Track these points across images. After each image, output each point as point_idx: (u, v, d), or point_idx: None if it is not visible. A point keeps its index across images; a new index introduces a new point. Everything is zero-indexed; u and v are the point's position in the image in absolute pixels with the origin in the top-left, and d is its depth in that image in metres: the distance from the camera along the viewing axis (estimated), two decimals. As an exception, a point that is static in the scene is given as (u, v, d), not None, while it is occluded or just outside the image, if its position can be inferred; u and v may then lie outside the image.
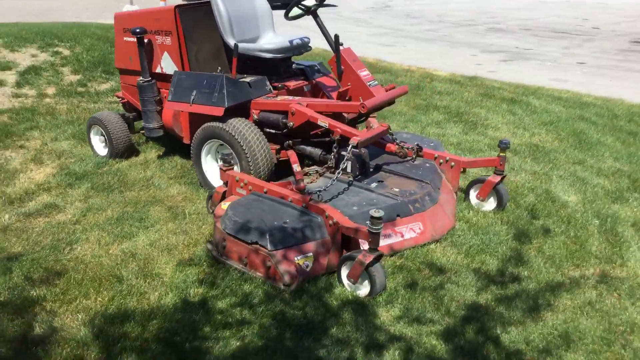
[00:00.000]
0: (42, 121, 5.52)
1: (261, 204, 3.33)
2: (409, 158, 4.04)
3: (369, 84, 3.95)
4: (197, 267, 3.13)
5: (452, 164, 3.99)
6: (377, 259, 2.86)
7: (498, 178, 3.82)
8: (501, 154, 3.78)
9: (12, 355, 2.44)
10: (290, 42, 4.25)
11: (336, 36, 4.20)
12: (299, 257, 3.00)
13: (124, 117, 4.78)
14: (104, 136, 4.70)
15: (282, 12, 4.32)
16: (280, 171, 3.99)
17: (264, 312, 2.75)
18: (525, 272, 3.19)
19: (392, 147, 4.09)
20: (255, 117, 3.98)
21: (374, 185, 3.68)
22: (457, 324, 2.73)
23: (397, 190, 3.59)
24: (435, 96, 6.94)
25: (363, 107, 3.68)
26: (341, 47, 4.17)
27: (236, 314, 2.74)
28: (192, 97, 3.97)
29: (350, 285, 2.96)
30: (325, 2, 4.25)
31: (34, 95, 6.29)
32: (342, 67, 4.08)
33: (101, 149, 4.79)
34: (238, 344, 2.53)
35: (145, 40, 4.33)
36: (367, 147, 3.78)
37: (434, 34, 12.92)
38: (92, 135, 4.82)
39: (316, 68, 4.68)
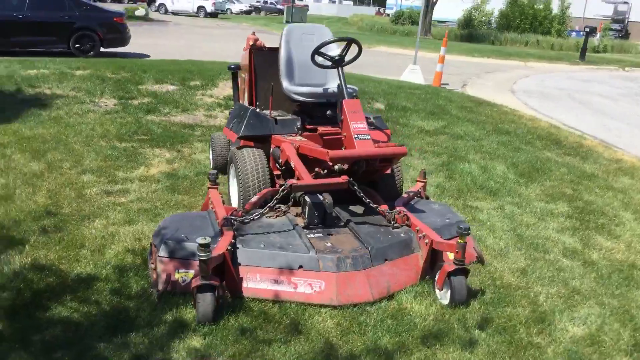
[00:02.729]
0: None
1: (197, 220, 3.69)
2: (392, 223, 3.82)
3: (355, 136, 3.87)
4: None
5: (426, 240, 3.61)
6: (204, 288, 2.97)
7: (453, 267, 3.33)
8: (459, 241, 3.30)
9: None
10: (325, 90, 4.43)
11: (349, 89, 4.21)
12: (180, 270, 3.29)
13: None
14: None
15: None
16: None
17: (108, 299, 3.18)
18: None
19: (384, 207, 3.94)
20: (271, 150, 4.32)
21: (317, 235, 3.64)
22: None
23: (329, 245, 3.51)
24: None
25: (327, 154, 3.70)
26: (348, 100, 4.16)
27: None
28: (231, 124, 4.55)
29: None
30: (346, 60, 4.30)
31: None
32: (341, 116, 4.08)
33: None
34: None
35: (242, 76, 5.08)
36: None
37: None
38: (210, 150, 5.77)
39: (369, 120, 4.67)
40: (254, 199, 3.90)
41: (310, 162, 4.06)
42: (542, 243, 4.37)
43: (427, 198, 4.65)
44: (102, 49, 13.26)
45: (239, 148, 4.37)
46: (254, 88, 4.88)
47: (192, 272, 3.25)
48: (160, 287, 3.24)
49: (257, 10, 51.81)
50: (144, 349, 2.78)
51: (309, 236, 3.62)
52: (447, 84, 13.71)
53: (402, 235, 3.73)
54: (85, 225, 4.12)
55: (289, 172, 4.22)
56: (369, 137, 3.88)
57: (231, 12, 46.24)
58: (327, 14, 60.93)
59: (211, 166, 5.54)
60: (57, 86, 8.70)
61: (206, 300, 2.96)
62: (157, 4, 38.24)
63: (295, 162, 3.91)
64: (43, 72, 9.51)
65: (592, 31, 26.14)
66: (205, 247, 2.88)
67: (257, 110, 4.55)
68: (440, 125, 8.24)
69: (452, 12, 42.16)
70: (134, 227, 4.12)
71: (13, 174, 5.06)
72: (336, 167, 3.95)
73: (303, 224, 3.76)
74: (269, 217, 3.88)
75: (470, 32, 34.54)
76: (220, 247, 3.23)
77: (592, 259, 4.19)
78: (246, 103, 4.96)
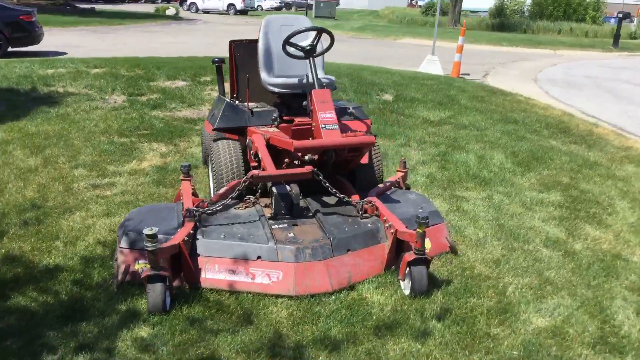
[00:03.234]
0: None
1: (163, 212, 3.71)
2: (361, 213, 3.77)
3: (323, 126, 3.82)
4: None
5: (392, 230, 3.54)
6: (153, 278, 2.97)
7: (413, 257, 3.26)
8: (418, 230, 3.22)
9: None
10: (300, 80, 4.38)
11: (325, 79, 4.16)
12: (140, 261, 3.32)
13: None
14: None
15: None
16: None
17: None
18: None
19: (356, 197, 3.89)
20: (247, 142, 4.31)
21: (282, 226, 3.62)
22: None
23: (291, 235, 3.48)
24: None
25: (291, 144, 3.67)
26: (317, 90, 4.09)
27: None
28: (210, 117, 4.56)
29: None
30: (319, 51, 4.24)
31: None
32: (310, 107, 4.03)
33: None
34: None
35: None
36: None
37: None
38: (202, 144, 5.79)
39: (348, 110, 4.61)
40: (221, 190, 3.90)
41: (284, 153, 4.03)
42: (524, 233, 4.24)
43: (408, 188, 4.57)
44: (10, 49, 13.00)
45: (215, 140, 4.37)
46: (235, 80, 4.87)
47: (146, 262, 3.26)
48: (120, 277, 3.27)
49: (288, 5, 51.90)
50: (92, 337, 2.81)
51: (273, 227, 3.59)
52: (468, 74, 13.47)
53: (369, 225, 3.67)
54: (65, 218, 4.19)
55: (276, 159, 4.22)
56: (336, 127, 3.81)
57: (262, 9, 46.46)
58: (358, 7, 60.56)
59: (202, 159, 5.56)
60: (71, 84, 8.89)
61: (156, 291, 2.96)
62: (188, 2, 38.74)
63: (262, 153, 3.89)
64: (60, 71, 9.74)
65: (626, 17, 25.23)
66: (151, 237, 2.89)
67: (235, 102, 4.54)
68: (446, 116, 8.08)
69: (484, 2, 41.39)
70: (111, 220, 4.17)
71: (9, 169, 5.19)
72: (306, 157, 3.91)
73: (269, 215, 3.73)
74: (238, 208, 3.87)
75: (502, 22, 33.83)
76: (177, 237, 3.24)
77: (574, 249, 4.03)
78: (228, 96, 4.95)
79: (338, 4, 54.66)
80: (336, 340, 2.87)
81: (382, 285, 3.39)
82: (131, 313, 3.02)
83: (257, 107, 4.54)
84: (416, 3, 62.78)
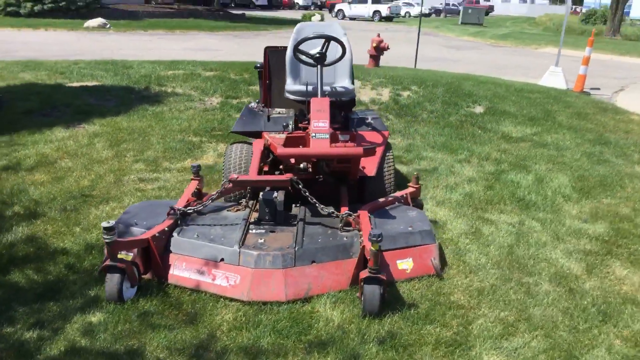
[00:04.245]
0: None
1: (160, 208, 3.93)
2: (347, 227, 3.71)
3: (313, 135, 3.79)
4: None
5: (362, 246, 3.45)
6: (111, 269, 3.20)
7: (366, 273, 3.16)
8: (371, 249, 3.13)
9: None
10: (314, 88, 4.39)
11: (323, 88, 4.12)
12: (122, 252, 3.58)
13: None
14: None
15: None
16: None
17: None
18: None
19: (344, 209, 3.86)
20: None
21: (259, 231, 3.68)
22: None
23: (260, 241, 3.54)
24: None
25: (276, 151, 3.73)
26: (317, 98, 4.06)
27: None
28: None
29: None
30: (330, 61, 4.21)
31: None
32: (308, 115, 4.02)
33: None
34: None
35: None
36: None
37: None
38: None
39: (367, 120, 4.53)
40: (213, 192, 4.04)
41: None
42: (533, 265, 3.86)
43: (421, 204, 4.37)
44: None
45: (232, 143, 4.55)
46: (268, 86, 5.00)
47: (131, 254, 3.51)
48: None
49: (438, 12, 51.04)
50: (49, 317, 3.09)
51: (252, 231, 3.67)
52: (598, 89, 12.33)
53: (344, 239, 3.60)
54: (98, 207, 4.62)
55: (275, 166, 4.30)
56: (326, 136, 3.78)
57: (409, 15, 46.22)
58: (515, 14, 57.82)
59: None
60: (180, 85, 9.66)
61: (113, 281, 3.19)
62: (336, 9, 39.79)
63: (253, 158, 3.98)
64: (177, 72, 10.61)
65: None
66: (108, 230, 3.11)
67: (259, 107, 4.68)
68: (531, 132, 7.51)
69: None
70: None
71: (84, 158, 5.83)
72: (301, 165, 3.94)
73: (244, 216, 3.82)
74: (230, 210, 4.00)
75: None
76: (148, 232, 3.45)
77: (583, 288, 3.59)
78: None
79: (491, 10, 52.61)
80: (260, 350, 2.88)
81: (341, 301, 3.31)
82: (94, 299, 3.27)
83: (279, 113, 4.63)
84: (580, 10, 58.27)
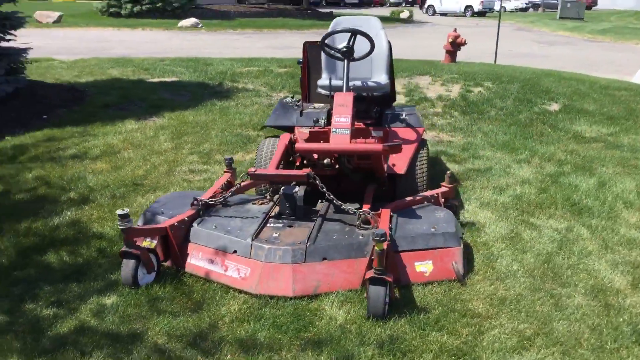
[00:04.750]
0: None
1: (189, 199, 3.99)
2: (365, 225, 3.59)
3: (334, 130, 3.69)
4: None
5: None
6: (126, 255, 3.28)
7: (371, 274, 3.03)
8: (376, 248, 2.99)
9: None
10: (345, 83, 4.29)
11: (348, 83, 3.99)
12: (147, 239, 3.68)
13: None
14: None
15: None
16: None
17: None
18: None
19: (366, 206, 3.74)
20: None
21: (277, 225, 3.65)
22: None
23: (275, 235, 3.50)
24: None
25: (295, 146, 3.68)
26: (341, 93, 3.93)
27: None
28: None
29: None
30: (359, 56, 4.07)
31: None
32: (331, 111, 3.91)
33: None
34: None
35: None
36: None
37: None
38: None
39: (401, 116, 4.36)
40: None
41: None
42: (570, 275, 3.53)
43: (453, 206, 4.14)
44: None
45: (265, 138, 4.54)
46: (308, 82, 4.95)
47: (155, 242, 3.60)
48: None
49: (536, 6, 48.59)
50: (69, 297, 3.24)
51: (269, 225, 3.64)
52: None
53: (360, 237, 3.47)
54: (144, 196, 4.79)
55: (303, 161, 4.26)
56: (347, 131, 3.67)
57: (505, 10, 44.35)
58: (621, 7, 53.83)
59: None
60: (252, 81, 9.84)
61: (128, 266, 3.27)
62: (426, 5, 39.00)
63: (276, 152, 3.94)
64: (252, 69, 10.81)
65: None
66: (122, 217, 3.19)
67: (296, 102, 4.64)
68: (608, 132, 6.93)
69: None
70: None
71: (145, 149, 6.07)
72: (325, 161, 3.87)
73: (264, 211, 3.79)
74: (254, 203, 4.00)
75: None
76: (168, 222, 3.51)
77: (623, 304, 3.24)
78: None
79: (594, 4, 49.37)
80: (256, 344, 2.85)
81: (350, 300, 3.20)
82: (113, 283, 3.38)
83: (314, 108, 4.57)
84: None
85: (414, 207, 3.89)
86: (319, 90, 4.40)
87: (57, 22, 21.54)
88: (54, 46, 15.38)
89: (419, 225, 3.60)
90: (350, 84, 4.35)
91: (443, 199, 4.08)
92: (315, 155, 3.87)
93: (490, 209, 4.53)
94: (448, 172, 4.13)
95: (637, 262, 3.70)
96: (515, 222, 4.29)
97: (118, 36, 19.25)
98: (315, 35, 22.18)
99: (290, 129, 4.49)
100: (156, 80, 10.14)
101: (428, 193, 4.06)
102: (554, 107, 8.20)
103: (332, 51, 4.17)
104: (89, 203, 4.60)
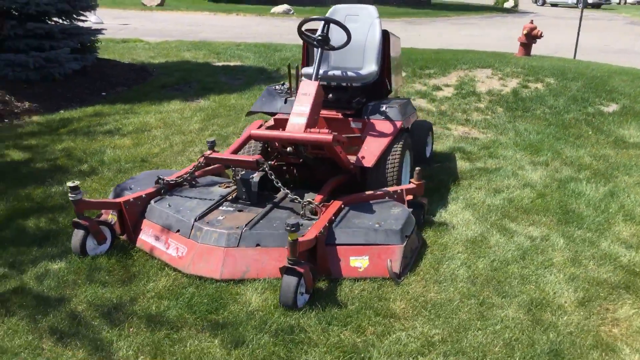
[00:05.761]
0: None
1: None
2: (313, 215, 3.58)
3: (290, 118, 3.67)
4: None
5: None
6: (75, 225, 3.50)
7: (285, 264, 3.03)
8: (289, 239, 2.98)
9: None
10: (325, 72, 4.24)
11: (317, 72, 3.91)
12: (112, 212, 3.89)
13: None
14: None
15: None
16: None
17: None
18: None
19: (319, 197, 3.72)
20: None
21: (228, 209, 3.71)
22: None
23: (220, 218, 3.58)
24: None
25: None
26: (307, 81, 3.86)
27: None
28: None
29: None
30: (337, 45, 3.99)
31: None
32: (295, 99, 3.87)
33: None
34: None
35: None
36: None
37: None
38: None
39: (382, 109, 4.23)
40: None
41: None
42: (516, 285, 3.28)
43: (421, 202, 3.97)
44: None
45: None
46: (305, 65, 4.93)
47: (114, 213, 3.79)
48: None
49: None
50: (25, 260, 3.45)
51: (221, 208, 3.72)
52: None
53: (300, 227, 3.44)
54: (148, 172, 5.03)
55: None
56: (302, 120, 3.64)
57: (625, 2, 40.81)
58: None
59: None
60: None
61: (77, 236, 3.49)
62: (537, -5, 36.84)
63: (241, 136, 4.00)
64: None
65: None
66: (73, 189, 3.40)
67: (277, 89, 4.65)
68: (657, 139, 6.26)
69: None
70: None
71: (173, 128, 6.38)
72: (288, 149, 3.88)
73: (221, 195, 3.86)
74: (220, 186, 4.09)
75: None
76: (123, 197, 3.70)
77: (555, 322, 2.97)
78: None
79: None
80: (162, 321, 2.90)
81: (274, 288, 3.20)
82: (68, 250, 3.58)
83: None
84: None
85: (371, 202, 3.79)
86: (302, 78, 4.38)
87: (160, 5, 22.82)
88: (149, 28, 16.36)
89: (366, 220, 3.51)
90: (331, 72, 4.31)
91: (410, 196, 3.93)
92: (276, 144, 3.88)
93: (472, 210, 4.30)
94: (417, 168, 3.97)
95: (598, 279, 3.37)
96: (491, 226, 4.04)
97: (211, 20, 20.05)
98: (403, 23, 21.78)
99: (273, 116, 4.52)
100: (220, 64, 10.51)
101: (392, 188, 3.93)
102: (611, 108, 7.53)
103: (309, 39, 4.12)
104: (95, 175, 4.92)
